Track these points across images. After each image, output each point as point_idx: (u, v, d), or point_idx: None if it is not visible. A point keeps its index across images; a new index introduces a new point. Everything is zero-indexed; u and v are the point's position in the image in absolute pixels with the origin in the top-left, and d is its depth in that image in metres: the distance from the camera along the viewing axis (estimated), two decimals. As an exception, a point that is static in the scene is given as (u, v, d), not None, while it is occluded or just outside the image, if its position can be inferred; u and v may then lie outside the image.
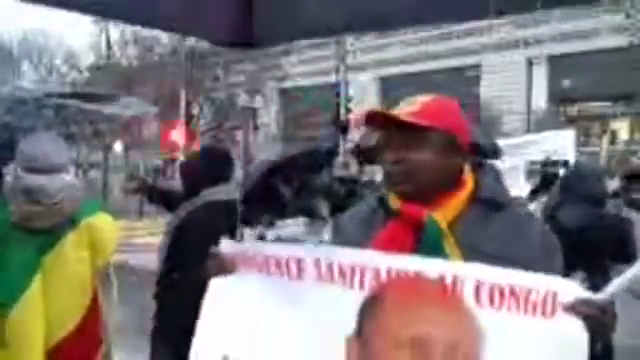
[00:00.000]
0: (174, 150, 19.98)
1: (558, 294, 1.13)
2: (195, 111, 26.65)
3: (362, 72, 28.51)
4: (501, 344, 1.08)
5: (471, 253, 1.34)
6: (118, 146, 25.67)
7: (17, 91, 3.03)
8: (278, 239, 4.38)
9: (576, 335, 1.11)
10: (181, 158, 17.30)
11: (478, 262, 1.25)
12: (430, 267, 1.25)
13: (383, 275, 1.30)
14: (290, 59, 30.79)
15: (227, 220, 3.32)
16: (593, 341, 1.14)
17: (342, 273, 1.35)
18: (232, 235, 3.34)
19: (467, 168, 1.50)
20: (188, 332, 3.05)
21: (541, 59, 25.20)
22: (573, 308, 1.13)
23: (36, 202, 2.50)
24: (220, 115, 27.84)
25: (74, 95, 3.04)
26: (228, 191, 3.29)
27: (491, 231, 1.39)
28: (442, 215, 1.43)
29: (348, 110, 20.95)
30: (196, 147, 20.17)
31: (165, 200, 3.71)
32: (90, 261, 2.66)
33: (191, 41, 27.92)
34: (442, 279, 1.21)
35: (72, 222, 2.62)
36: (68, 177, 2.59)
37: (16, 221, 2.54)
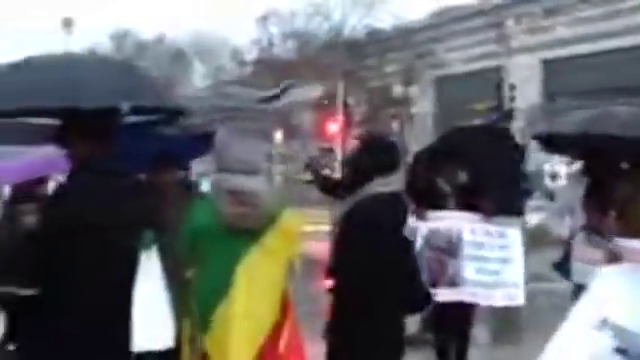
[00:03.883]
0: (331, 140, 20.39)
1: None
2: (351, 101, 26.99)
3: (524, 55, 27.00)
4: None
5: None
6: (278, 136, 26.78)
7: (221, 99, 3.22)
8: (437, 231, 4.22)
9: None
10: (338, 149, 17.59)
11: None
12: None
13: None
14: (445, 45, 30.01)
15: (393, 212, 3.31)
16: None
17: None
18: (399, 227, 3.33)
19: None
20: (363, 321, 3.08)
21: None
22: None
23: (242, 203, 2.62)
24: (376, 105, 27.93)
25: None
26: (393, 182, 3.26)
27: None
28: None
29: (512, 99, 19.88)
30: (352, 138, 20.42)
31: (337, 190, 3.76)
32: (286, 256, 2.79)
33: (347, 31, 28.38)
34: None
35: (272, 219, 2.73)
36: (264, 176, 2.72)
37: (223, 222, 2.66)
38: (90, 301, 2.23)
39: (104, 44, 33.33)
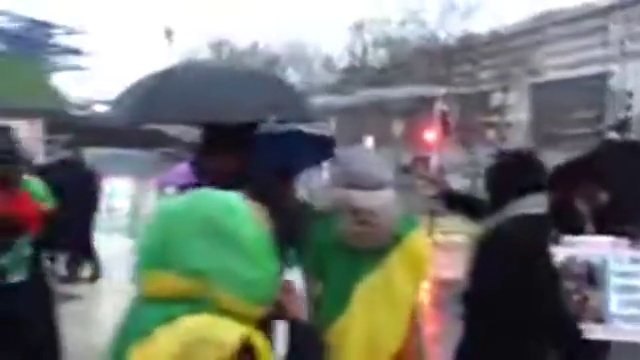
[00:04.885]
0: (426, 148, 19.97)
1: None
2: (445, 108, 26.40)
3: (631, 62, 25.47)
4: None
5: None
6: (369, 142, 26.58)
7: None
8: (575, 258, 3.85)
9: None
10: (434, 157, 17.22)
11: None
12: None
13: None
14: (543, 51, 28.89)
15: (539, 236, 3.04)
16: None
17: None
18: (546, 253, 3.07)
19: None
20: (502, 354, 2.86)
21: None
22: None
23: (362, 222, 2.45)
24: (470, 112, 27.22)
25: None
26: (538, 203, 2.99)
27: None
28: None
29: (628, 107, 18.63)
30: (447, 146, 19.92)
31: (467, 207, 3.50)
32: (413, 280, 2.60)
33: (442, 37, 27.87)
34: None
35: (396, 240, 2.56)
36: (389, 192, 2.50)
37: (344, 240, 2.51)
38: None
39: (203, 52, 34.59)
